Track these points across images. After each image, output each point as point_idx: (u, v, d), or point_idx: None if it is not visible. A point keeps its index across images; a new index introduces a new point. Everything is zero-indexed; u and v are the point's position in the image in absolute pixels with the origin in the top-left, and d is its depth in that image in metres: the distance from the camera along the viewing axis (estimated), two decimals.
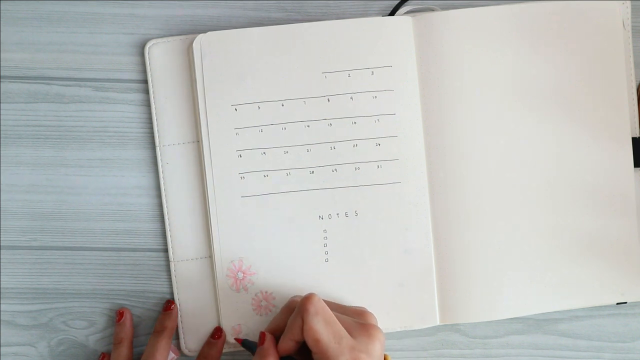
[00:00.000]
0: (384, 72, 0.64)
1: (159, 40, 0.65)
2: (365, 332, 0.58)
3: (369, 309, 0.62)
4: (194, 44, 0.64)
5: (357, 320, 0.59)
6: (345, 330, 0.57)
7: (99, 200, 0.66)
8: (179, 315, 0.65)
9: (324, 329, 0.56)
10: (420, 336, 0.67)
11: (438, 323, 0.66)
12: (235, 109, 0.64)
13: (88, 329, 0.66)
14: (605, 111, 0.66)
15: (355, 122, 0.64)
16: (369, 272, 0.65)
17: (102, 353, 0.65)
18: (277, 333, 0.60)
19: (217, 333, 0.64)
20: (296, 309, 0.58)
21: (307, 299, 0.57)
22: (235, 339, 0.63)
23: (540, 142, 0.65)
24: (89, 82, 0.66)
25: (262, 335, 0.60)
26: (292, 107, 0.64)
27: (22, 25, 0.66)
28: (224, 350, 0.65)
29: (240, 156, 0.64)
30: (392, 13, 0.66)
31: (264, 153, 0.64)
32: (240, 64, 0.64)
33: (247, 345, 0.62)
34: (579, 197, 0.66)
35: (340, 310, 0.61)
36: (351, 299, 0.64)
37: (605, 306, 0.67)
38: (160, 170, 0.65)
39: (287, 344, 0.58)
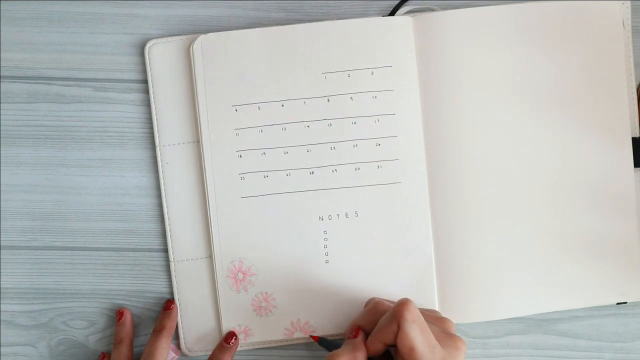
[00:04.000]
0: (384, 72, 0.64)
1: (159, 40, 0.65)
2: (452, 344, 0.58)
3: None
4: (194, 45, 0.64)
5: (442, 330, 0.59)
6: (436, 341, 0.57)
7: (99, 200, 0.66)
8: (179, 315, 0.66)
9: (420, 337, 0.56)
10: None
11: None
12: (236, 110, 0.64)
13: (88, 329, 0.66)
14: (605, 111, 0.66)
15: (355, 122, 0.64)
16: (369, 273, 0.65)
17: (102, 353, 0.65)
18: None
19: (231, 338, 0.64)
20: (390, 313, 0.57)
21: (404, 305, 0.57)
22: (312, 336, 0.64)
23: (540, 142, 0.65)
24: (89, 82, 0.66)
25: (357, 329, 0.60)
26: (292, 108, 0.64)
27: (22, 25, 0.66)
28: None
29: (241, 156, 0.64)
30: (392, 13, 0.66)
31: (264, 153, 0.64)
32: (241, 64, 0.64)
33: (325, 343, 0.62)
34: (579, 197, 0.66)
35: (425, 317, 0.60)
36: (351, 300, 0.64)
37: (605, 306, 0.67)
38: (160, 170, 0.65)
39: (375, 345, 0.58)
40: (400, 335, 0.56)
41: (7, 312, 0.66)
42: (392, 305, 0.58)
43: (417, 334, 0.56)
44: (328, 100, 0.64)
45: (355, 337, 0.60)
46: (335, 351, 0.58)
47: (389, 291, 0.65)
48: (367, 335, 0.60)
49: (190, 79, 0.65)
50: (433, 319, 0.61)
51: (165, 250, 0.66)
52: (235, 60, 0.64)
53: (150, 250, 0.66)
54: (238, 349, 0.65)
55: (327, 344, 0.62)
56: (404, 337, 0.56)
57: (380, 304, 0.61)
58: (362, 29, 0.64)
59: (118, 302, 0.66)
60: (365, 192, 0.65)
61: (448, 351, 0.57)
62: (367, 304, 0.63)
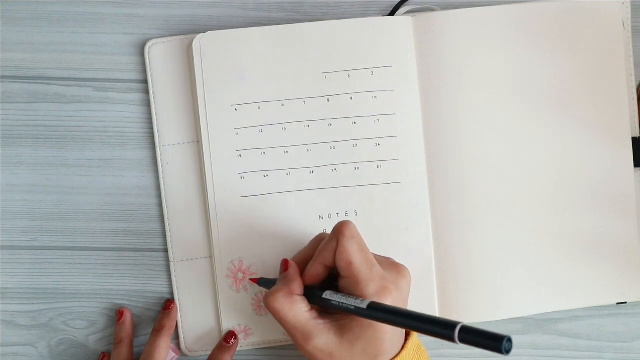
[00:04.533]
0: (384, 72, 0.64)
1: (159, 40, 0.65)
2: (395, 269, 0.58)
3: None
4: (193, 44, 0.64)
5: (386, 259, 0.59)
6: (375, 261, 0.57)
7: (99, 200, 0.66)
8: (179, 315, 0.66)
9: (358, 253, 0.56)
10: (420, 336, 0.67)
11: None
12: (235, 109, 0.64)
13: (88, 329, 0.66)
14: (605, 111, 0.66)
15: (355, 122, 0.64)
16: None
17: (102, 353, 0.65)
18: (302, 265, 0.60)
19: (230, 337, 0.64)
20: (331, 233, 0.57)
21: (343, 223, 0.57)
22: (250, 279, 0.63)
23: (540, 142, 0.65)
24: (89, 82, 0.66)
25: (286, 262, 0.60)
26: (292, 107, 0.64)
27: (22, 25, 0.66)
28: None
29: (240, 156, 0.64)
30: (392, 13, 0.66)
31: (264, 153, 0.64)
32: (240, 64, 0.64)
33: (264, 282, 0.62)
34: (579, 197, 0.66)
35: (374, 254, 0.60)
36: None
37: (605, 306, 0.67)
38: (160, 170, 0.65)
39: (316, 268, 0.58)
40: (339, 250, 0.56)
41: (7, 312, 0.66)
42: None
43: (355, 249, 0.56)
44: (328, 100, 0.64)
45: (285, 270, 0.59)
46: (270, 290, 0.58)
47: None
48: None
49: (190, 79, 0.65)
50: (380, 256, 0.60)
51: (165, 250, 0.66)
52: (235, 60, 0.64)
53: (150, 250, 0.66)
54: (238, 348, 0.65)
55: (267, 283, 0.62)
56: (342, 251, 0.56)
57: (323, 234, 0.61)
58: (362, 29, 0.64)
59: (118, 302, 0.66)
60: (365, 191, 0.65)
61: (389, 273, 0.57)
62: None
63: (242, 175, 0.64)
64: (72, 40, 0.66)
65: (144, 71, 0.66)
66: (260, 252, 0.65)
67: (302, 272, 0.59)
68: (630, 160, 0.66)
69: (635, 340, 0.67)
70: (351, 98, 0.64)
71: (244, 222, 0.64)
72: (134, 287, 0.66)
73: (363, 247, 0.57)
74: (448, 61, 0.65)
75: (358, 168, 0.65)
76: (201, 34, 0.64)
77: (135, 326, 0.66)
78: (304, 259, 0.60)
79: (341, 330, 0.56)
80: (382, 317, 0.53)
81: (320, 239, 0.61)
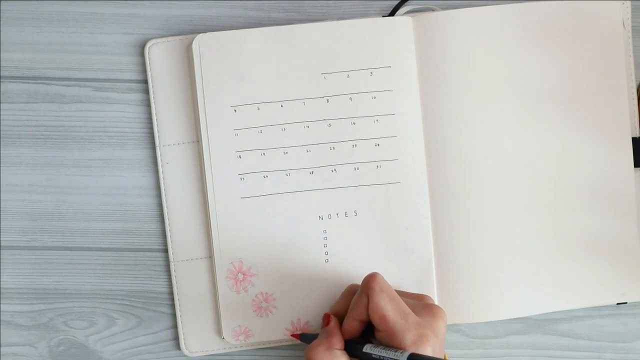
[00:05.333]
0: (384, 72, 0.64)
1: (159, 40, 0.65)
2: (429, 312, 0.58)
3: None
4: (193, 44, 0.64)
5: (419, 302, 0.59)
6: (408, 308, 0.57)
7: (99, 200, 0.66)
8: (179, 315, 0.66)
9: (390, 305, 0.56)
10: None
11: None
12: (235, 110, 0.64)
13: (88, 329, 0.66)
14: (605, 111, 0.66)
15: (354, 123, 0.64)
16: (369, 273, 0.65)
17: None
18: (339, 318, 0.60)
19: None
20: (360, 288, 0.58)
21: (371, 277, 0.57)
22: (292, 335, 0.64)
23: (540, 142, 0.65)
24: (89, 82, 0.66)
25: (327, 317, 0.60)
26: (291, 108, 0.64)
27: (22, 25, 0.66)
28: (226, 351, 0.65)
29: (240, 157, 0.64)
30: (392, 13, 0.66)
31: (264, 154, 0.64)
32: (240, 64, 0.64)
33: (305, 338, 0.63)
34: (579, 197, 0.66)
35: (401, 293, 0.60)
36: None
37: (605, 306, 0.67)
38: (160, 170, 0.65)
39: (352, 324, 0.58)
40: (371, 306, 0.56)
41: (7, 312, 0.66)
42: None
43: (386, 302, 0.56)
44: (327, 100, 0.64)
45: (327, 324, 0.60)
46: (311, 344, 0.58)
47: None
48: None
49: (190, 79, 0.65)
50: (410, 295, 0.60)
51: (165, 250, 0.66)
52: (235, 61, 0.64)
53: (150, 250, 0.66)
54: (238, 349, 0.65)
55: (308, 338, 0.62)
56: (374, 307, 0.56)
57: (354, 285, 0.61)
58: (362, 29, 0.64)
59: (118, 302, 0.66)
60: (364, 192, 0.65)
61: (423, 318, 0.57)
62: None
63: (241, 176, 0.64)
64: (72, 40, 0.66)
65: (144, 71, 0.66)
66: (260, 253, 0.65)
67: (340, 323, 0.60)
68: (630, 160, 0.66)
69: (635, 340, 0.67)
70: (350, 98, 0.64)
71: (244, 223, 0.64)
72: (134, 287, 0.66)
73: (394, 298, 0.57)
74: (448, 61, 0.65)
75: (358, 168, 0.65)
76: (201, 34, 0.64)
77: (135, 326, 0.66)
78: (340, 312, 0.61)
79: None
80: None
81: (351, 291, 0.61)
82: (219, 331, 0.65)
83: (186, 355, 0.66)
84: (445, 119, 0.65)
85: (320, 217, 0.65)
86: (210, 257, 0.65)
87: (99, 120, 0.66)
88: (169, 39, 0.65)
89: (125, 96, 0.66)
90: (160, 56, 0.65)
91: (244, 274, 0.65)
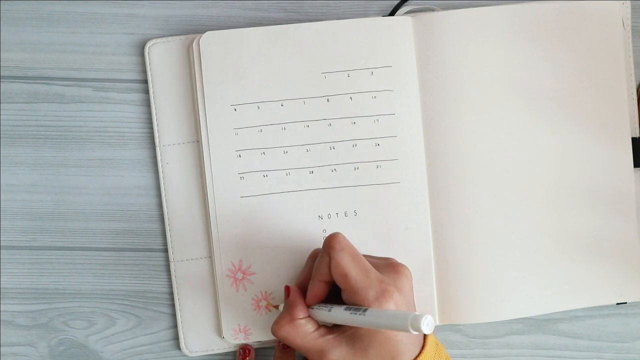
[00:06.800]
0: (384, 72, 0.64)
1: (159, 40, 0.65)
2: (392, 269, 0.57)
3: None
4: (193, 44, 0.64)
5: (383, 261, 0.59)
6: (371, 265, 0.56)
7: (99, 200, 0.66)
8: (179, 315, 0.66)
9: (351, 263, 0.56)
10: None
11: (438, 323, 0.66)
12: (235, 109, 0.64)
13: (88, 329, 0.66)
14: (605, 111, 0.66)
15: (354, 122, 0.64)
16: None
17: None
18: (304, 286, 0.60)
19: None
20: (322, 249, 0.57)
21: (332, 236, 0.57)
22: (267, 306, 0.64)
23: (540, 142, 0.65)
24: (89, 82, 0.66)
25: (287, 289, 0.59)
26: (291, 107, 0.64)
27: (22, 25, 0.66)
28: (226, 350, 0.65)
29: (240, 156, 0.64)
30: (392, 13, 0.66)
31: (264, 153, 0.64)
32: (240, 64, 0.64)
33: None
34: (579, 197, 0.66)
35: (366, 256, 0.59)
36: None
37: (605, 306, 0.67)
38: (160, 170, 0.65)
39: (316, 286, 0.58)
40: (333, 264, 0.56)
41: (7, 312, 0.66)
42: None
43: (348, 260, 0.56)
44: (328, 100, 0.64)
45: (287, 296, 0.59)
46: (275, 320, 0.58)
47: None
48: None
49: (190, 79, 0.65)
50: (376, 257, 0.60)
51: (165, 250, 0.66)
52: (235, 60, 0.64)
53: (150, 250, 0.66)
54: (238, 348, 0.65)
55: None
56: (335, 265, 0.56)
57: (317, 250, 0.61)
58: (362, 29, 0.64)
59: (118, 302, 0.66)
60: (364, 191, 0.65)
61: (387, 275, 0.56)
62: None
63: (241, 175, 0.64)
64: (72, 40, 0.66)
65: (144, 71, 0.66)
66: (259, 252, 0.65)
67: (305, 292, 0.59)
68: (630, 160, 0.66)
69: (635, 340, 0.67)
70: (351, 98, 0.64)
71: (243, 222, 0.64)
72: (134, 287, 0.66)
73: (356, 256, 0.56)
74: (448, 61, 0.65)
75: (358, 168, 0.65)
76: (201, 34, 0.64)
77: (135, 327, 0.66)
78: (305, 279, 0.60)
79: (352, 339, 0.56)
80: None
81: (314, 255, 0.61)
82: (218, 331, 0.65)
83: (186, 355, 0.66)
84: (445, 118, 0.65)
85: (320, 217, 0.65)
86: (210, 257, 0.65)
87: (99, 120, 0.66)
88: (169, 39, 0.65)
89: (125, 96, 0.66)
90: (160, 56, 0.65)
91: (243, 273, 0.65)
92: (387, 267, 0.58)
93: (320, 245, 0.59)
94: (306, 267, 0.61)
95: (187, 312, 0.66)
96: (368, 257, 0.59)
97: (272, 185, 0.64)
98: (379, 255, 0.61)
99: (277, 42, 0.64)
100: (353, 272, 0.55)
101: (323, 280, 0.58)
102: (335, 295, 0.58)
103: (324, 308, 0.57)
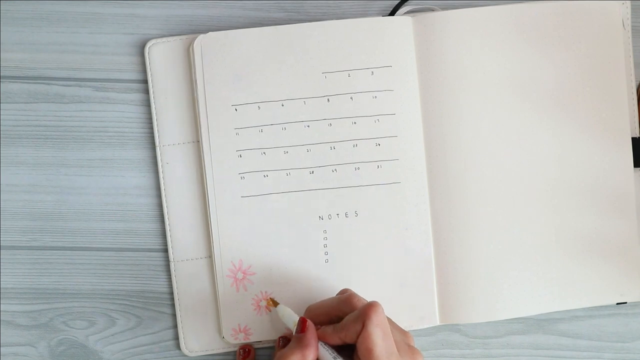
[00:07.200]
0: (384, 72, 0.64)
1: (159, 40, 0.65)
2: (411, 355, 0.57)
3: None
4: (194, 45, 0.64)
5: (404, 340, 0.59)
6: (396, 349, 0.56)
7: (99, 200, 0.66)
8: (179, 315, 0.65)
9: (381, 342, 0.56)
10: (420, 336, 0.67)
11: (438, 323, 0.66)
12: (235, 109, 0.64)
13: (88, 329, 0.66)
14: (605, 111, 0.66)
15: (355, 122, 0.64)
16: (369, 273, 0.65)
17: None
18: (319, 318, 0.59)
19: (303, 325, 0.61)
20: (357, 313, 0.57)
21: (372, 307, 0.56)
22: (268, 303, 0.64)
23: (540, 142, 0.65)
24: (89, 82, 0.66)
25: (304, 323, 0.58)
26: (292, 107, 0.64)
27: (22, 25, 0.66)
28: (226, 350, 0.65)
29: (240, 156, 0.64)
30: (392, 13, 0.66)
31: (264, 153, 0.64)
32: (240, 64, 0.64)
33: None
34: (579, 197, 0.66)
35: (390, 324, 0.59)
36: None
37: (605, 306, 0.67)
38: (160, 170, 0.65)
39: (334, 339, 0.57)
40: (363, 335, 0.56)
41: (7, 312, 0.66)
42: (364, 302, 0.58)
43: (379, 338, 0.55)
44: (328, 100, 0.64)
45: (302, 331, 0.58)
46: (284, 351, 0.57)
47: (389, 291, 0.65)
48: (329, 321, 0.59)
49: (190, 79, 0.65)
50: (398, 329, 0.60)
51: (165, 250, 0.66)
52: (235, 60, 0.64)
53: (150, 250, 0.66)
54: (238, 348, 0.65)
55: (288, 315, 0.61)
56: (366, 337, 0.55)
57: (355, 297, 0.59)
58: (362, 29, 0.64)
59: (118, 302, 0.66)
60: (365, 192, 0.65)
61: (404, 359, 0.57)
62: (340, 292, 0.62)
63: (242, 175, 0.64)
64: (72, 40, 0.66)
65: (144, 71, 0.66)
66: (260, 252, 0.65)
67: (317, 322, 0.59)
68: (630, 160, 0.66)
69: (635, 340, 0.68)
70: (351, 98, 0.64)
71: (243, 222, 0.64)
72: (134, 287, 0.66)
73: (387, 335, 0.56)
74: (448, 61, 0.65)
75: (358, 168, 0.65)
76: (202, 35, 0.64)
77: (135, 327, 0.66)
78: (323, 313, 0.60)
79: None
80: None
81: (349, 302, 0.59)
82: (219, 331, 0.65)
83: (186, 355, 0.66)
84: (445, 119, 0.65)
85: (321, 217, 0.65)
86: (210, 256, 0.65)
87: (99, 120, 0.66)
88: (169, 39, 0.65)
89: (125, 96, 0.66)
90: (160, 56, 0.65)
91: (243, 273, 0.65)
92: (407, 351, 0.58)
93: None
94: (331, 303, 0.60)
95: (187, 312, 0.66)
96: (392, 329, 0.58)
97: (273, 185, 0.64)
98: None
99: (277, 42, 0.64)
100: (378, 351, 0.55)
101: (344, 340, 0.57)
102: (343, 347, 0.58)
103: (331, 354, 0.57)
